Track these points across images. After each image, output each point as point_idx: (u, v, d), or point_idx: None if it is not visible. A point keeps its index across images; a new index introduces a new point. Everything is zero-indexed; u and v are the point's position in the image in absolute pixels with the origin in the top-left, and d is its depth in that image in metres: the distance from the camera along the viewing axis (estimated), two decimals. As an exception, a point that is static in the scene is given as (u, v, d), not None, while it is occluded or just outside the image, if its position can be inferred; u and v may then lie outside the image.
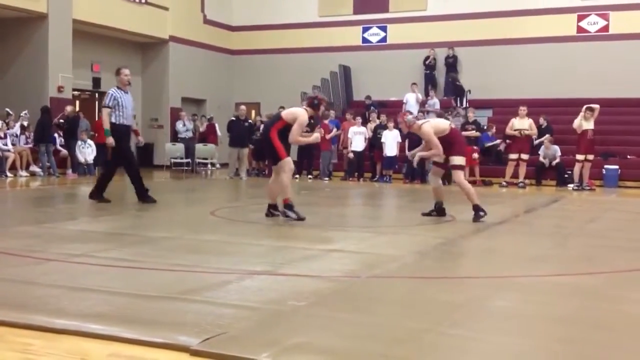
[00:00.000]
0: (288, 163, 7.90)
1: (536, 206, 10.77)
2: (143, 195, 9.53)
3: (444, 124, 8.35)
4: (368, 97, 20.29)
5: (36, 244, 5.87)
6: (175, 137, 20.54)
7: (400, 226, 7.83)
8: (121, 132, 9.34)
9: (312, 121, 8.40)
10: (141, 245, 6.03)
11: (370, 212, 8.18)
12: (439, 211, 8.46)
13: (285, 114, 8.03)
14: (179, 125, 20.05)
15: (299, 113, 7.88)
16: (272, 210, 8.16)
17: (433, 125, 8.23)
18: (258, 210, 8.66)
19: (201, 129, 20.54)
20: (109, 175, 9.67)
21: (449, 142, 8.14)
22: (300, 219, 7.72)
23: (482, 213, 8.09)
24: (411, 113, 8.57)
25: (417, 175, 16.39)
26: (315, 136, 8.75)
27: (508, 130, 15.62)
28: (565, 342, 3.35)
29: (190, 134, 19.99)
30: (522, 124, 15.39)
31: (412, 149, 16.24)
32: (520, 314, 3.93)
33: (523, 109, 15.48)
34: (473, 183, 15.61)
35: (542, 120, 16.51)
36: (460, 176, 8.17)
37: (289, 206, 7.81)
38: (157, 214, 8.92)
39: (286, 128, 7.87)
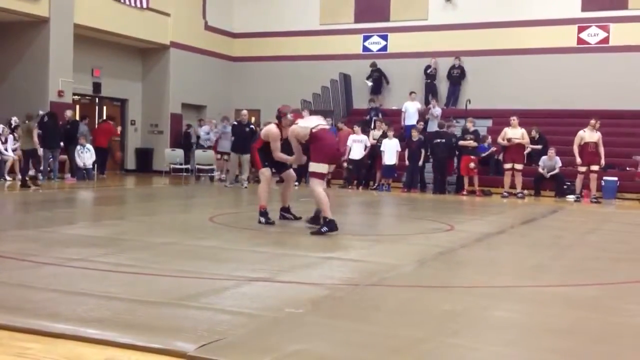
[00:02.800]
0: (263, 173, 8.42)
1: (535, 217, 10.76)
2: None
3: (303, 130, 7.68)
4: (372, 100, 20.32)
5: (34, 248, 5.86)
6: (178, 143, 20.50)
7: (399, 235, 7.82)
8: None
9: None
10: (139, 250, 6.02)
11: (368, 221, 8.16)
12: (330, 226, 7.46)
13: (262, 133, 8.60)
14: (203, 132, 19.77)
15: (269, 130, 8.41)
16: (283, 213, 8.65)
17: (296, 130, 7.78)
18: (257, 218, 8.64)
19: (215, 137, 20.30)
20: None
21: (309, 147, 7.75)
22: (269, 223, 8.14)
23: (325, 228, 7.35)
24: (301, 115, 8.51)
25: (415, 184, 16.44)
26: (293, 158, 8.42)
27: (499, 140, 15.74)
28: (564, 353, 3.34)
29: (209, 142, 19.80)
30: (514, 133, 15.50)
31: (411, 158, 16.57)
32: (519, 324, 3.92)
33: (514, 119, 15.62)
34: (472, 193, 15.72)
35: (534, 133, 16.55)
36: (314, 183, 7.58)
37: (262, 213, 8.23)
38: (155, 220, 8.91)
39: (266, 145, 8.42)
